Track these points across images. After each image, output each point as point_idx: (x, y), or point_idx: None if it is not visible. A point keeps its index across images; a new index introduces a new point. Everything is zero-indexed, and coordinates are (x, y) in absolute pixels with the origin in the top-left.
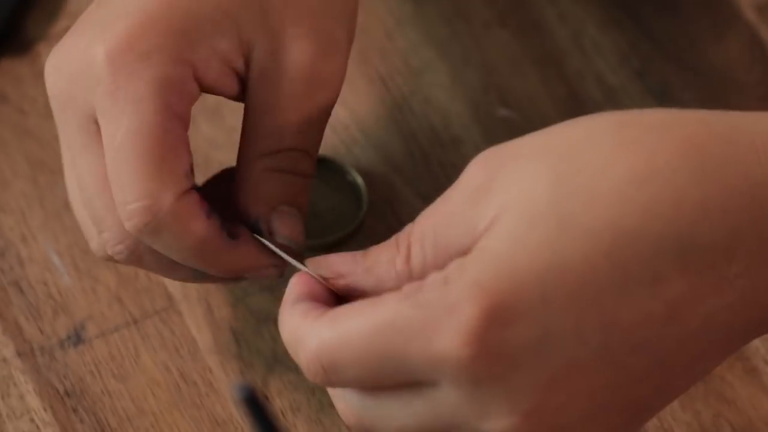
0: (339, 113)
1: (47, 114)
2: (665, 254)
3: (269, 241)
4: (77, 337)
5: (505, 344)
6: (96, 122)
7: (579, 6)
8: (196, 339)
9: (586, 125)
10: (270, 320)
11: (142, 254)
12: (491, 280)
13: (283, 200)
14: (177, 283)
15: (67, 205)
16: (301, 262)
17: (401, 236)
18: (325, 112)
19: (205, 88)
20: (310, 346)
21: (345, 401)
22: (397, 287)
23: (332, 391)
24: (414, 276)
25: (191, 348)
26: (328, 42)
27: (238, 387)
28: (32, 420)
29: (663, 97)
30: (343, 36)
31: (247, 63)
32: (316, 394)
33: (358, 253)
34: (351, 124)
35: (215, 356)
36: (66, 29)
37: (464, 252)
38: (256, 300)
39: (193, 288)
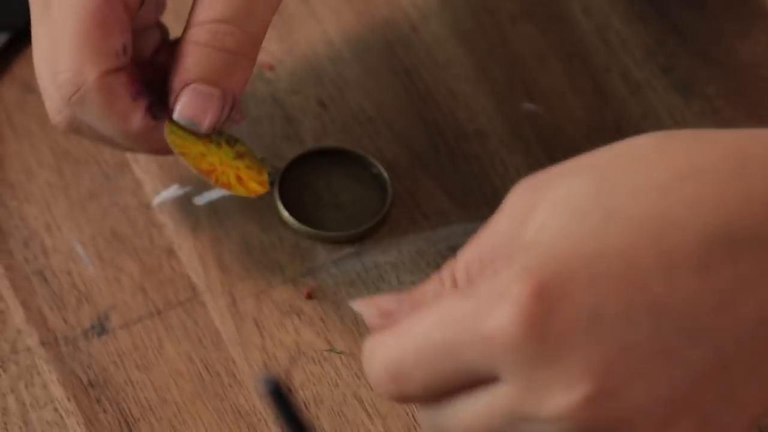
0: (364, 105)
1: None
2: (712, 243)
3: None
4: (101, 327)
5: (554, 324)
6: None
7: (604, 0)
8: (219, 330)
9: (627, 141)
10: (293, 312)
11: (79, 126)
12: (539, 265)
13: (199, 77)
14: (201, 274)
15: (91, 195)
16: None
17: (444, 270)
18: None
19: None
20: (377, 358)
21: (422, 421)
22: None
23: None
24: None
25: (214, 339)
26: None
27: (264, 378)
28: (56, 409)
29: (688, 92)
30: None
31: None
32: (339, 387)
33: (403, 293)
34: (375, 116)
35: (238, 348)
36: None
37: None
38: (280, 292)
39: (217, 279)
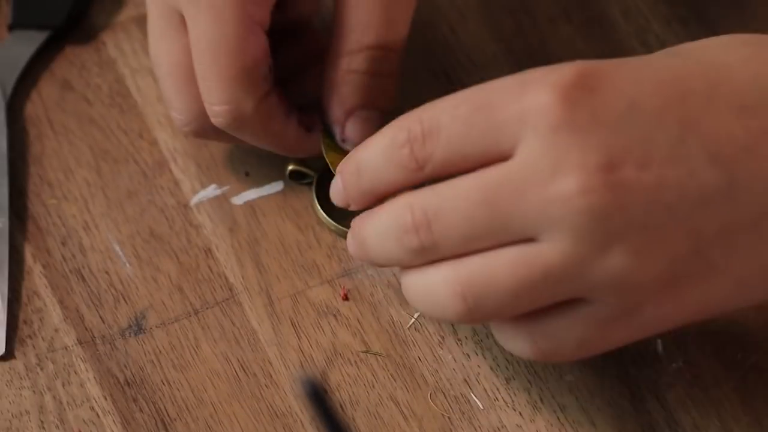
0: (402, 106)
1: (111, 103)
2: (757, 91)
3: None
4: (138, 327)
5: (590, 101)
6: (180, 15)
7: (644, 3)
8: (256, 330)
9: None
10: (330, 313)
11: (207, 133)
12: (593, 61)
13: (361, 104)
14: (238, 274)
15: (129, 194)
16: None
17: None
18: (408, 6)
19: None
20: (413, 115)
21: (410, 205)
22: None
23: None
24: None
25: (251, 339)
26: None
27: (302, 379)
28: (92, 408)
29: None
30: None
31: None
32: (375, 388)
33: None
34: None
35: (275, 348)
36: (131, 18)
37: None
38: (316, 292)
39: (254, 279)
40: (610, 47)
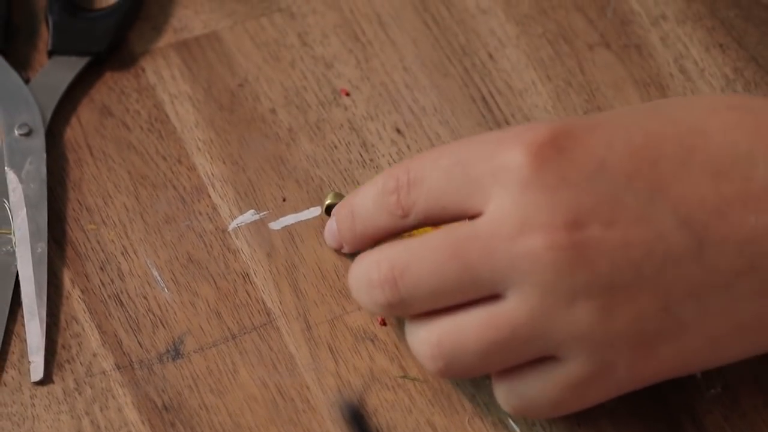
0: (440, 132)
1: (150, 128)
2: (733, 158)
3: None
4: (176, 351)
5: (560, 161)
6: None
7: (683, 29)
8: (293, 355)
9: None
10: (367, 338)
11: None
12: (569, 118)
13: None
14: (276, 299)
15: (167, 220)
16: None
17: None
18: None
19: None
20: (401, 166)
21: (377, 261)
22: None
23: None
24: None
25: (289, 364)
26: None
27: (342, 403)
28: None
29: None
30: None
31: None
32: (413, 413)
33: None
34: None
35: (312, 373)
36: (170, 45)
37: None
38: (354, 318)
39: (291, 304)
40: (649, 73)
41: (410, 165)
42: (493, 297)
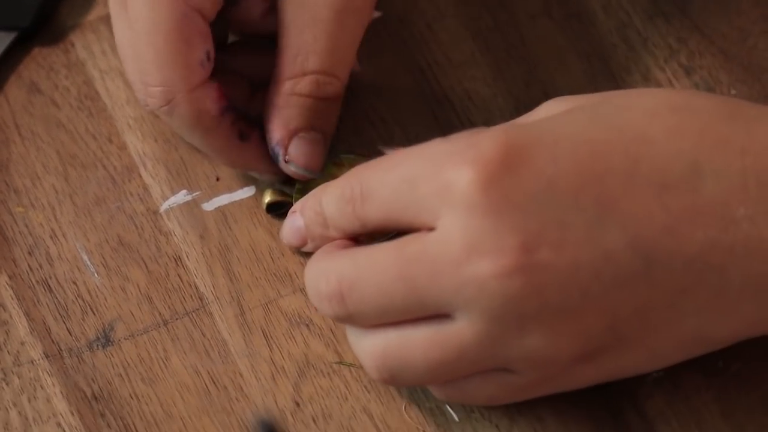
0: (377, 106)
1: (80, 106)
2: (679, 168)
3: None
4: (106, 339)
5: (509, 183)
6: None
7: None
8: (227, 341)
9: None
10: (303, 323)
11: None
12: (516, 130)
13: (304, 126)
14: (209, 282)
15: (97, 201)
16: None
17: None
18: (355, 35)
19: None
20: (355, 175)
21: (326, 272)
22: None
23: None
24: None
25: (222, 351)
26: None
27: (259, 422)
28: (59, 424)
29: (711, 93)
30: None
31: None
32: (349, 401)
33: None
34: (389, 117)
35: (246, 360)
36: (101, 18)
37: None
38: (288, 302)
39: (225, 288)
40: (591, 44)
41: (362, 175)
42: (442, 315)
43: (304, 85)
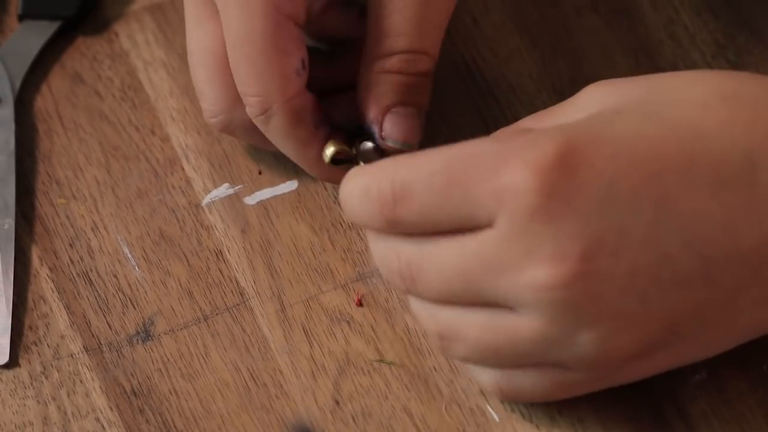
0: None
1: (123, 97)
2: (734, 163)
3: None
4: (146, 333)
5: (567, 186)
6: (213, 2)
7: None
8: (267, 338)
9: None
10: (343, 320)
11: (235, 129)
12: (572, 129)
13: (397, 101)
14: (249, 278)
15: (139, 194)
16: None
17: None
18: (443, 14)
19: None
20: (387, 172)
21: (397, 251)
22: None
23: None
24: None
25: (262, 347)
26: None
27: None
28: (97, 419)
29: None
30: None
31: None
32: (389, 399)
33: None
34: (433, 113)
35: (286, 356)
36: (145, 8)
37: None
38: (329, 298)
39: (266, 283)
40: (638, 39)
41: (396, 174)
42: (502, 305)
43: (394, 62)
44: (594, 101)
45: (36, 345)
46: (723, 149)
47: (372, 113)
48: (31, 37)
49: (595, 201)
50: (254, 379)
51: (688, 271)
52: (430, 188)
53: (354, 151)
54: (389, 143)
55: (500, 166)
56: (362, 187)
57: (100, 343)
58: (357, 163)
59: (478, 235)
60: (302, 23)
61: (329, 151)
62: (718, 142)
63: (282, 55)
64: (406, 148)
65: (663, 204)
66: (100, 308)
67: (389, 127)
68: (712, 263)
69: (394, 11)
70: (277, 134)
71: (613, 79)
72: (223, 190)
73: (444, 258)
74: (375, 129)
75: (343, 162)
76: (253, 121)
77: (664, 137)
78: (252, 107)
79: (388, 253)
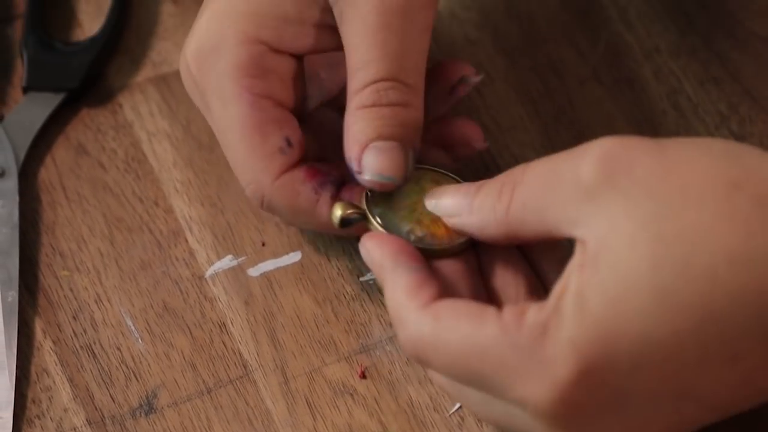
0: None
1: (127, 168)
2: (747, 336)
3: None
4: (149, 406)
5: (588, 405)
6: None
7: (676, 63)
8: (270, 411)
9: (702, 171)
10: (347, 392)
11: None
12: (587, 344)
13: (374, 136)
14: (253, 350)
15: (143, 266)
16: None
17: (506, 186)
18: (416, 35)
19: (296, 51)
20: (410, 334)
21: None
22: (495, 229)
23: None
24: (511, 225)
25: (265, 420)
26: None
27: None
28: None
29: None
30: None
31: (329, 11)
32: None
33: (471, 190)
34: None
35: (290, 429)
36: (149, 80)
37: (556, 234)
38: (333, 370)
39: (269, 356)
40: (641, 109)
41: (417, 350)
42: None
43: (366, 96)
44: (592, 173)
45: (39, 418)
46: (735, 327)
47: (349, 153)
48: (36, 109)
49: (614, 412)
50: None
51: (693, 416)
52: (447, 370)
53: (364, 204)
54: (366, 177)
55: (519, 381)
56: (395, 328)
57: (103, 416)
58: (367, 218)
59: (505, 404)
60: (284, 99)
61: (336, 217)
62: (729, 322)
63: (260, 137)
64: (387, 181)
65: (681, 397)
66: (103, 381)
67: (367, 162)
68: (726, 409)
69: (360, 42)
70: (281, 214)
71: (621, 146)
72: (227, 261)
73: (475, 405)
74: (354, 166)
75: (354, 221)
76: (260, 208)
77: (678, 331)
78: (250, 195)
79: (407, 303)
